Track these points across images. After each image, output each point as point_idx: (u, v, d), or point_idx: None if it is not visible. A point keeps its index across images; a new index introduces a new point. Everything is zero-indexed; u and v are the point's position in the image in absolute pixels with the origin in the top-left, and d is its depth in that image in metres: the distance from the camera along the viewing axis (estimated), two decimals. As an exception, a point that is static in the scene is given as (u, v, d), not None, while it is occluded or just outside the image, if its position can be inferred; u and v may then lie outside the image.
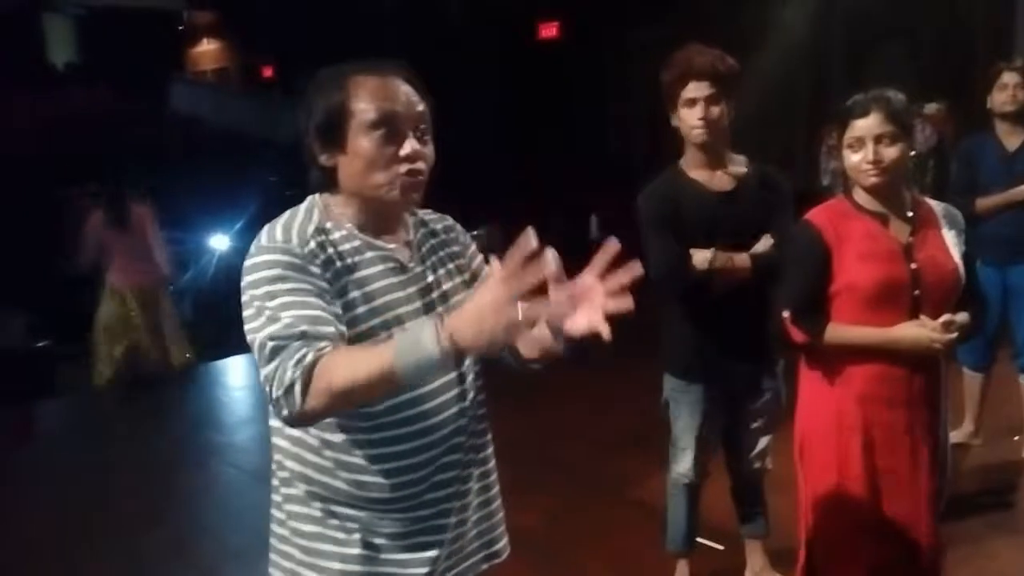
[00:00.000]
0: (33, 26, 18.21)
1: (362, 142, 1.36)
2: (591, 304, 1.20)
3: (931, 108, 6.72)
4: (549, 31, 12.13)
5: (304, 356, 1.22)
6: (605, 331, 1.17)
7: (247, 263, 1.35)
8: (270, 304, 1.29)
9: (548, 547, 2.86)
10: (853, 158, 1.99)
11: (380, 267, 1.40)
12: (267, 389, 1.26)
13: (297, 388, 1.21)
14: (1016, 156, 3.48)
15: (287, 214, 1.41)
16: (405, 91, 1.39)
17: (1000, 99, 3.48)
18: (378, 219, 1.42)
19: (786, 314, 2.02)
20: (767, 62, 7.63)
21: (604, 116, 10.10)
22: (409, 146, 1.37)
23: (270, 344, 1.26)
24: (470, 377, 1.49)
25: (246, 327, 1.32)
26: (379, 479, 1.39)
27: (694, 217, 2.41)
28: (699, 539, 2.95)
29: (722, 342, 2.44)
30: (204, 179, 10.14)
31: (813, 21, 8.37)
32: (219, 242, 9.29)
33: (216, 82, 18.30)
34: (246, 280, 1.34)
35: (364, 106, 1.36)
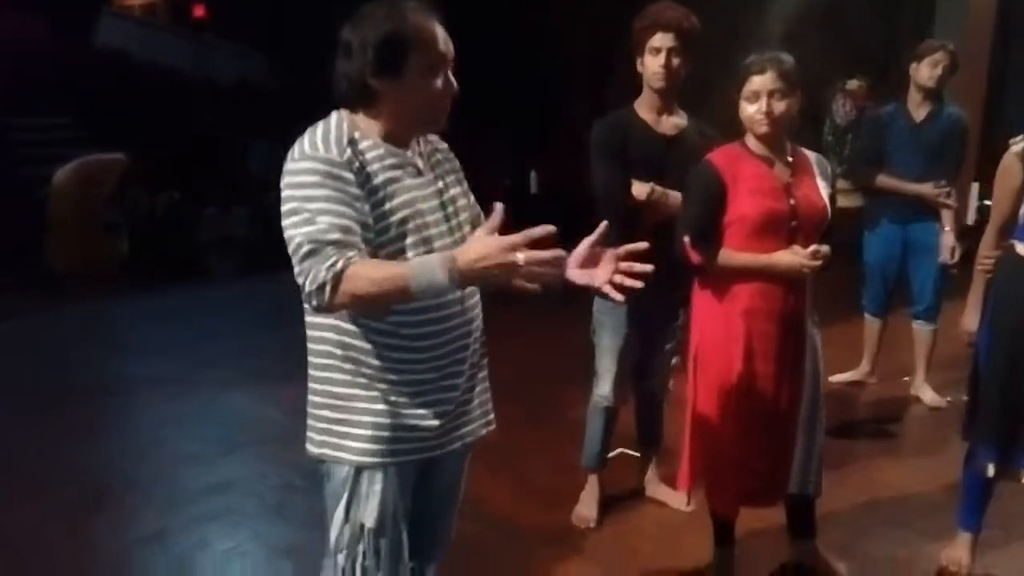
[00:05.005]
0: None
1: (418, 76, 1.60)
2: (604, 270, 1.64)
3: (852, 84, 7.20)
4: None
5: (335, 262, 1.50)
6: (619, 297, 1.62)
7: (289, 166, 1.59)
8: (309, 206, 1.54)
9: (504, 456, 3.21)
10: (749, 109, 2.31)
11: (401, 171, 1.65)
12: (301, 282, 1.53)
13: (327, 289, 1.50)
14: (922, 126, 3.88)
15: (320, 126, 1.63)
16: (446, 35, 1.64)
17: (926, 73, 3.78)
18: (402, 135, 1.68)
19: (686, 239, 2.36)
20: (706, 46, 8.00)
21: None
22: (449, 83, 1.64)
23: (307, 245, 1.52)
24: None
25: (284, 222, 1.58)
26: (404, 341, 1.66)
27: (640, 153, 2.70)
28: (625, 450, 3.31)
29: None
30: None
31: (751, 10, 8.76)
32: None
33: (144, 18, 17.55)
34: (287, 180, 1.58)
35: (424, 47, 1.60)
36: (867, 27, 8.01)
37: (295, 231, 1.54)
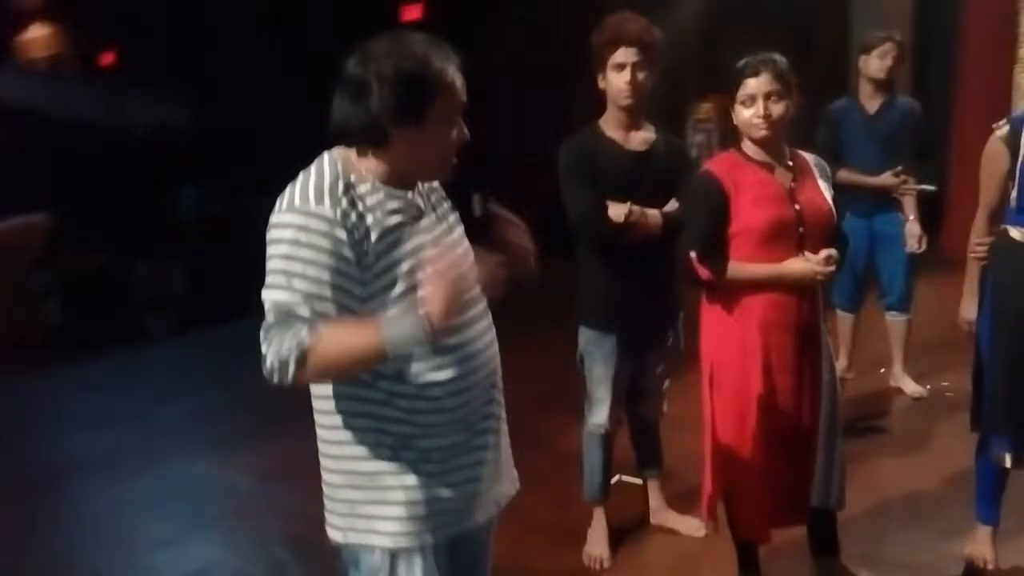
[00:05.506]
0: None
1: (438, 125, 1.50)
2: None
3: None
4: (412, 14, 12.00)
5: (303, 338, 1.37)
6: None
7: (274, 218, 1.44)
8: (288, 268, 1.40)
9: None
10: (745, 113, 2.22)
11: (403, 216, 1.52)
12: (263, 351, 1.39)
13: (291, 364, 1.37)
14: (877, 118, 3.89)
15: (313, 173, 1.47)
16: (463, 79, 1.53)
17: (876, 65, 3.78)
18: (406, 180, 1.54)
19: (692, 254, 2.25)
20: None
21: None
22: (462, 131, 1.55)
23: (275, 314, 1.40)
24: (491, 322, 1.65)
25: (265, 279, 1.43)
26: (430, 403, 1.52)
27: (611, 173, 2.57)
28: (623, 477, 3.17)
29: (634, 292, 2.63)
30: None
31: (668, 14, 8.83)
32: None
33: (51, 70, 16.91)
34: (271, 234, 1.43)
35: (447, 94, 1.49)
36: (783, 25, 8.14)
37: (268, 293, 1.42)
